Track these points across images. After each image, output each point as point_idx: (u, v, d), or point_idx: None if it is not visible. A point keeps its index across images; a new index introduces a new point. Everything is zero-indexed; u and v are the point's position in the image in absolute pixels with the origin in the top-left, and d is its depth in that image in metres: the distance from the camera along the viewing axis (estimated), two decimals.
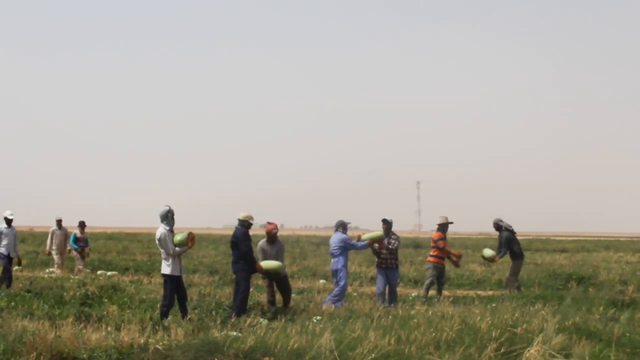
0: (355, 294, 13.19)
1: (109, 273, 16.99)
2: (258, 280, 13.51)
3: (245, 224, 10.56)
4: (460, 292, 14.33)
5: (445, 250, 12.67)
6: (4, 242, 13.26)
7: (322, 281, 15.99)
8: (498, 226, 13.77)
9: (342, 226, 11.73)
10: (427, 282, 12.71)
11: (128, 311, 9.62)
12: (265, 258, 10.94)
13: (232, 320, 9.20)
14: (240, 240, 10.38)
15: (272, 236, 11.08)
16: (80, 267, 16.96)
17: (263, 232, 11.32)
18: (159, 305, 9.78)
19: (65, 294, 11.35)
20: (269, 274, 10.88)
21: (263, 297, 11.82)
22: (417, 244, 40.22)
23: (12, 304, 9.99)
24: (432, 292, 12.65)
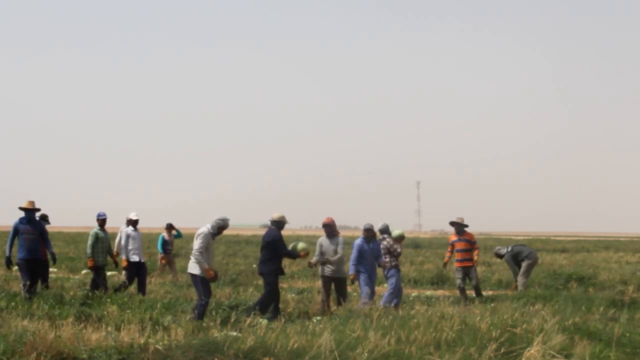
0: (355, 294, 13.18)
1: (109, 273, 16.94)
2: (258, 281, 13.46)
3: (279, 225, 10.51)
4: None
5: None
6: (133, 246, 12.60)
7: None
8: (498, 255, 14.17)
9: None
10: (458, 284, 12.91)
11: (128, 311, 9.61)
12: (323, 253, 11.05)
13: (249, 318, 8.58)
14: (278, 242, 10.32)
15: (330, 231, 11.12)
16: (172, 273, 16.07)
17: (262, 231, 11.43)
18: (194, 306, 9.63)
19: (65, 294, 11.34)
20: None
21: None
22: (417, 244, 40.21)
23: (12, 304, 9.98)
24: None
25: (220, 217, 9.83)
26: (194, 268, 9.58)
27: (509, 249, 14.07)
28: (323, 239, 11.26)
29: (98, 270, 12.29)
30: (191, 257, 9.73)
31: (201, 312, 9.36)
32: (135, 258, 12.45)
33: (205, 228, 9.75)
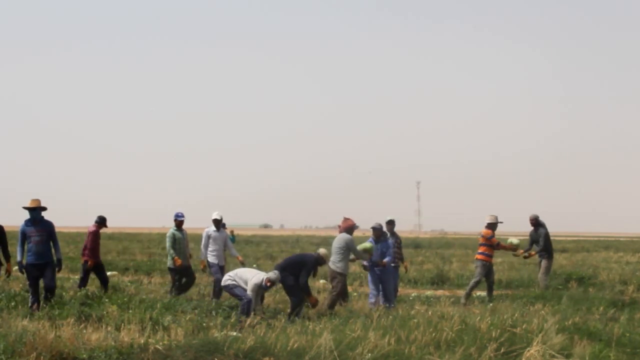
0: (355, 294, 13.19)
1: (109, 273, 16.93)
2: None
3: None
4: (460, 292, 14.31)
5: (500, 245, 12.66)
6: (213, 248, 11.81)
7: (322, 281, 15.99)
8: (537, 222, 13.63)
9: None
10: (473, 280, 12.66)
11: (128, 311, 9.60)
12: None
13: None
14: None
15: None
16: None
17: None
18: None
19: (65, 294, 11.33)
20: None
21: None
22: (417, 244, 40.22)
23: (12, 304, 9.97)
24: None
25: (275, 272, 9.99)
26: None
27: (545, 229, 13.60)
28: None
29: (176, 272, 12.03)
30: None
31: (249, 308, 9.64)
32: (213, 260, 11.78)
33: (261, 276, 9.95)
